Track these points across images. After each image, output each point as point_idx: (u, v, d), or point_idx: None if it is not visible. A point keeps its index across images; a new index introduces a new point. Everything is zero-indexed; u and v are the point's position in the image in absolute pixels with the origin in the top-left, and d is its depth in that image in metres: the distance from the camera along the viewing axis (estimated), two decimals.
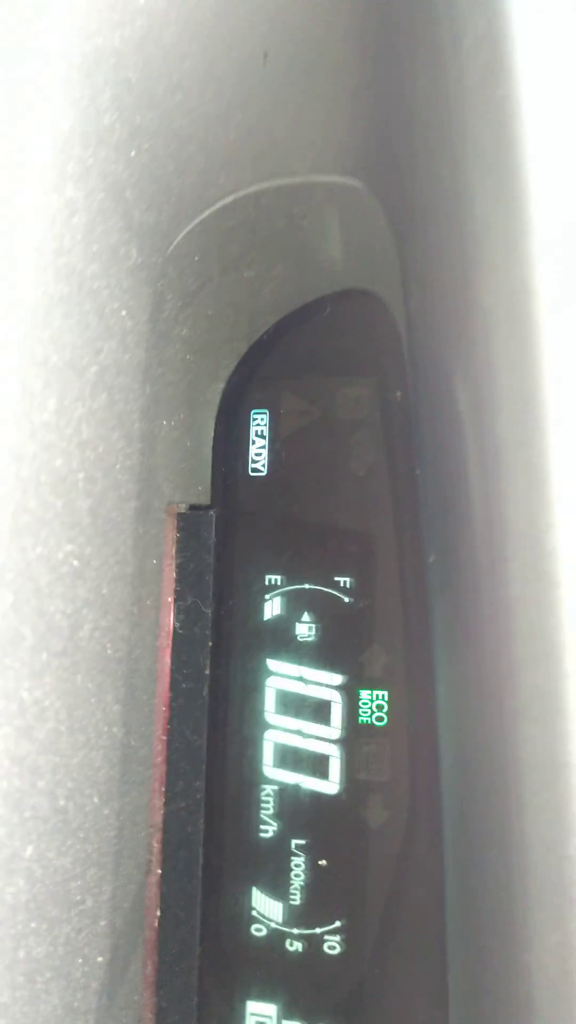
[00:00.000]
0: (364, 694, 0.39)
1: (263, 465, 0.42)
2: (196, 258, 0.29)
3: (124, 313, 0.26)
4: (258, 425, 0.42)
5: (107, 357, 0.26)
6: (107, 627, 0.26)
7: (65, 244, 0.22)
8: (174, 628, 0.37)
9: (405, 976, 0.38)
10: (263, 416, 0.42)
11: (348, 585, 0.41)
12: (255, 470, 0.42)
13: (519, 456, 0.24)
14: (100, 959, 0.29)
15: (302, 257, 0.33)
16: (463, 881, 0.35)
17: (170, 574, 0.37)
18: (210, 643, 0.39)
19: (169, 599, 0.36)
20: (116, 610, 0.27)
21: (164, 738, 0.38)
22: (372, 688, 0.39)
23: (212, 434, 0.40)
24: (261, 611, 0.41)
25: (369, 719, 0.39)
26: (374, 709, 0.39)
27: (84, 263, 0.23)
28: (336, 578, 0.41)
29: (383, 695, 0.39)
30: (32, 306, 0.22)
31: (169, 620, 0.36)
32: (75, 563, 0.24)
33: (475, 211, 0.21)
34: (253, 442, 0.42)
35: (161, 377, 0.31)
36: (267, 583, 0.42)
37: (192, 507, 0.39)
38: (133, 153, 0.23)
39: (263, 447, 0.42)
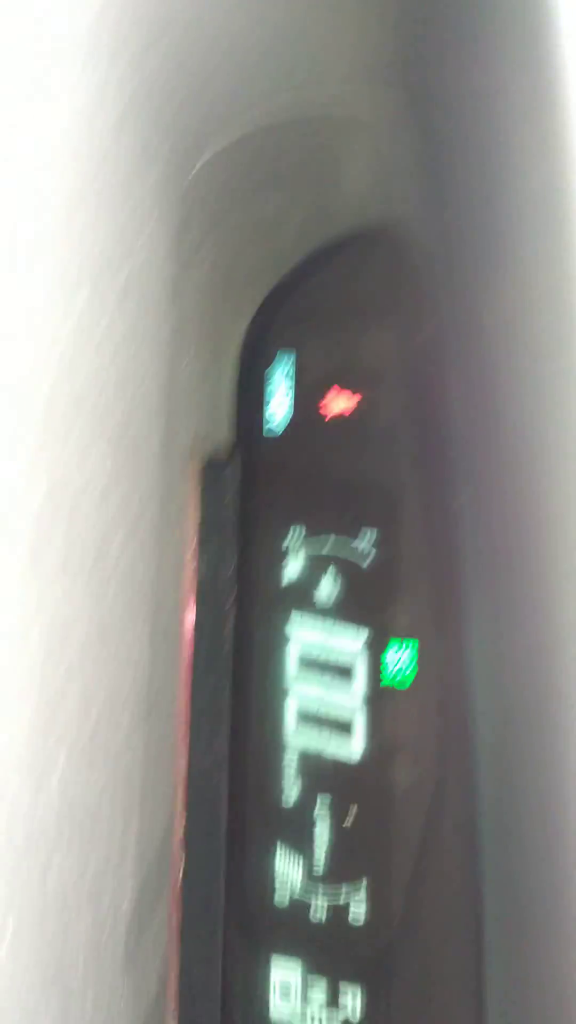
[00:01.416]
0: (390, 652, 0.39)
1: (284, 414, 0.41)
2: (222, 180, 0.28)
3: (148, 232, 0.26)
4: (279, 373, 0.41)
5: (130, 278, 0.26)
6: (136, 548, 0.25)
7: (95, 144, 0.22)
8: (197, 584, 0.36)
9: (435, 938, 0.37)
10: (284, 363, 0.41)
11: (372, 539, 0.40)
12: (275, 419, 0.41)
13: (559, 364, 0.23)
14: (125, 905, 0.28)
15: (330, 187, 0.32)
16: (503, 842, 0.34)
17: (191, 529, 0.36)
18: (232, 600, 0.38)
19: (190, 555, 0.35)
20: (144, 531, 0.26)
21: (187, 698, 0.37)
22: (398, 645, 0.39)
23: (232, 382, 0.39)
24: (283, 568, 0.41)
25: (395, 678, 0.38)
26: (400, 667, 0.38)
27: (112, 167, 0.23)
28: (360, 532, 0.40)
29: (410, 652, 0.38)
30: (59, 205, 0.21)
31: (190, 576, 0.35)
32: (104, 479, 0.23)
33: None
34: (273, 391, 0.41)
35: (183, 311, 0.31)
36: (289, 538, 0.41)
37: (212, 460, 0.38)
38: (161, 53, 0.22)
39: (285, 395, 0.41)
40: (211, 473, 0.37)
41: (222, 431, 0.39)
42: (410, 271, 0.37)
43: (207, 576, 0.36)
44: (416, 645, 0.38)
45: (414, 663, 0.38)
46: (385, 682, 0.38)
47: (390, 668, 0.38)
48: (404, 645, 0.38)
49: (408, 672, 0.38)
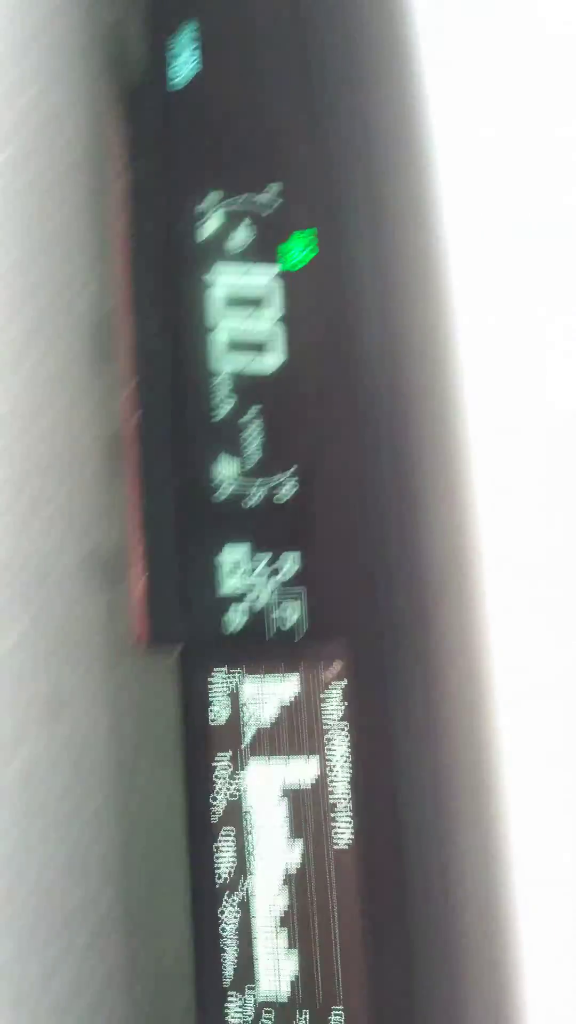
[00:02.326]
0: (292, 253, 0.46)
1: (191, 67, 0.47)
2: None
3: None
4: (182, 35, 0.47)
5: None
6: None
7: None
8: (128, 184, 0.43)
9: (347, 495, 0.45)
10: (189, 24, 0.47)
11: (277, 191, 0.47)
12: (183, 72, 0.47)
13: None
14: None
15: None
16: None
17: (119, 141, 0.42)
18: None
19: (120, 160, 0.41)
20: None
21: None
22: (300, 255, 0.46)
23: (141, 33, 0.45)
24: (199, 226, 0.47)
25: (301, 255, 0.46)
26: (304, 248, 0.46)
27: None
28: (266, 187, 0.47)
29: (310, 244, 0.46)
30: None
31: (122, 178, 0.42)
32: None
33: None
34: (182, 43, 0.47)
35: None
36: (201, 202, 0.47)
37: (135, 91, 0.44)
38: None
39: (191, 47, 0.47)
40: (135, 98, 0.43)
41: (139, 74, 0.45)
42: None
43: (136, 189, 0.43)
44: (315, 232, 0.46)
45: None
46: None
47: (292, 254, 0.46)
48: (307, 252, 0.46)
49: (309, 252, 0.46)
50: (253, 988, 0.44)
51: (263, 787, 0.45)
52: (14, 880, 0.26)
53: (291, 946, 0.44)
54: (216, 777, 0.45)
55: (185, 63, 0.47)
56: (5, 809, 0.26)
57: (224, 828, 0.45)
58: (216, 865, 0.44)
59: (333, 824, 0.43)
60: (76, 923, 0.29)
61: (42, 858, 0.27)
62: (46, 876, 0.27)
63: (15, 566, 0.27)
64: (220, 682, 0.46)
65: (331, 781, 0.44)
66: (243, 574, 0.46)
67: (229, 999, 0.44)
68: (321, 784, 0.44)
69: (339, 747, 0.44)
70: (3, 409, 0.27)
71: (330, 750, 0.44)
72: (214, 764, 0.45)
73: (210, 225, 0.47)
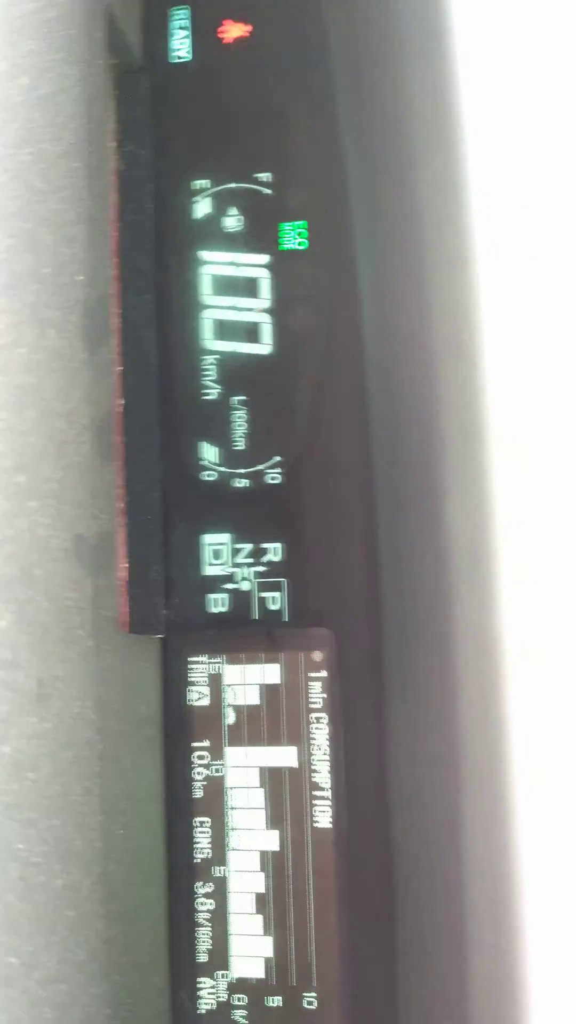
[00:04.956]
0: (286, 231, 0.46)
1: (186, 52, 0.46)
2: None
3: None
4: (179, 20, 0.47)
5: None
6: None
7: None
8: (119, 169, 0.42)
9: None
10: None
11: (268, 179, 0.46)
12: (179, 57, 0.46)
13: None
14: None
15: None
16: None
17: (111, 126, 0.42)
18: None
19: (112, 145, 0.41)
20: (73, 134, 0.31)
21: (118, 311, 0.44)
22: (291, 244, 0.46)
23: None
24: (192, 212, 0.47)
25: (293, 245, 0.45)
26: (296, 238, 0.45)
27: None
28: (256, 175, 0.47)
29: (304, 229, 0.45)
30: None
31: (114, 163, 0.41)
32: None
33: None
34: (173, 34, 0.46)
35: None
36: (194, 187, 0.47)
37: (127, 71, 0.43)
38: None
39: (186, 27, 0.47)
40: (128, 79, 0.43)
41: (134, 57, 0.44)
42: None
43: (129, 163, 0.42)
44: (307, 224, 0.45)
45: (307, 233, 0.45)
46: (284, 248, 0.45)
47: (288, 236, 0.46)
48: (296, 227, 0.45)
49: (304, 237, 0.45)
50: (226, 971, 0.45)
51: (242, 771, 0.45)
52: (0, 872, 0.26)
53: (266, 930, 0.44)
54: (195, 760, 0.45)
55: (184, 40, 0.47)
56: None
57: (202, 811, 0.45)
58: (192, 848, 0.45)
59: (312, 809, 0.44)
60: (58, 912, 0.29)
61: (27, 848, 0.27)
62: (30, 866, 0.27)
63: (5, 553, 0.27)
64: (201, 667, 0.46)
65: (311, 767, 0.44)
66: (226, 561, 0.46)
67: (201, 982, 0.45)
68: (300, 769, 0.44)
69: (319, 732, 0.44)
70: None
71: (310, 735, 0.44)
72: (193, 747, 0.45)
73: (202, 209, 0.47)
